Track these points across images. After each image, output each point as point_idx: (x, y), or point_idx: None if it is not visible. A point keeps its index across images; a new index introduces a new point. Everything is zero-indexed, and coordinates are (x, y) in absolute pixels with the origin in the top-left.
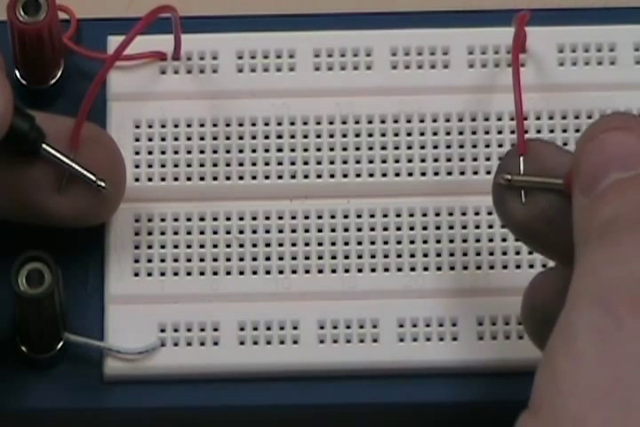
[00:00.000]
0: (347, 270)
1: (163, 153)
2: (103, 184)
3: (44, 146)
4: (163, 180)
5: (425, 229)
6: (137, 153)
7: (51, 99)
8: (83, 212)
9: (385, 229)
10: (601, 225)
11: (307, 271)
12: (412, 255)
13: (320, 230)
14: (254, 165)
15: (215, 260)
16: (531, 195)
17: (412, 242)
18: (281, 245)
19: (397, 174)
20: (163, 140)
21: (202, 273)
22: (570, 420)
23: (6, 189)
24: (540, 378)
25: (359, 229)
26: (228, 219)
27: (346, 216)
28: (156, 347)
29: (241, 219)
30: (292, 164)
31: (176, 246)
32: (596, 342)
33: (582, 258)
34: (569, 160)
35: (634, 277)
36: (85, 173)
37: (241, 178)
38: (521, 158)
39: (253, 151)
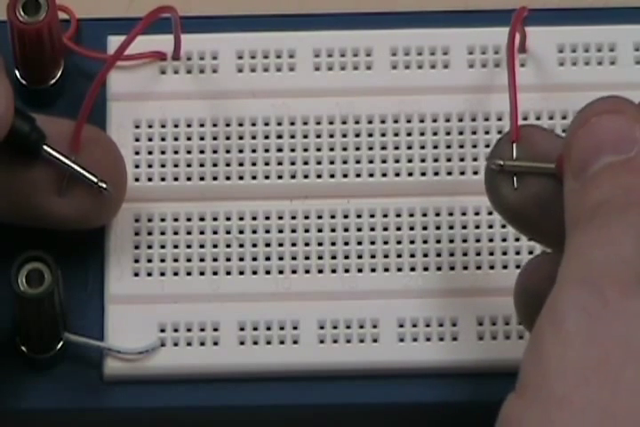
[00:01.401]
0: (347, 270)
1: (163, 153)
2: (104, 186)
3: (44, 147)
4: (163, 180)
5: (425, 229)
6: (137, 153)
7: (51, 99)
8: (84, 213)
9: (385, 229)
10: (591, 208)
11: (307, 271)
12: (412, 255)
13: (320, 230)
14: (254, 165)
15: (215, 260)
16: (522, 180)
17: (412, 242)
18: (281, 245)
19: (397, 174)
20: (163, 140)
21: (202, 273)
22: (556, 400)
23: (7, 192)
24: (526, 359)
25: (359, 229)
26: (228, 219)
27: (346, 216)
28: (156, 347)
29: (241, 219)
30: (292, 164)
31: (176, 246)
32: (583, 322)
33: (572, 240)
34: (561, 145)
35: (621, 258)
36: (87, 174)
37: (241, 178)
38: (514, 145)
39: (253, 151)
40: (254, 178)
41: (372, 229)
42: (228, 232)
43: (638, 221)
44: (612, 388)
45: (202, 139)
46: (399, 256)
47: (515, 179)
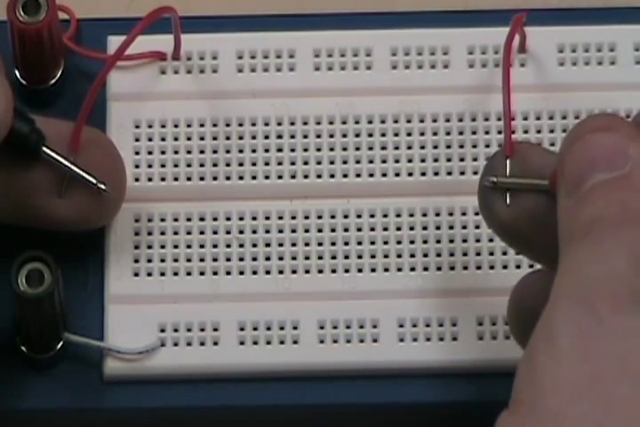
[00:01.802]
0: (347, 270)
1: (163, 153)
2: (104, 187)
3: (44, 148)
4: (163, 180)
5: (425, 229)
6: (137, 153)
7: (51, 99)
8: (84, 215)
9: (385, 229)
10: (585, 224)
11: (307, 271)
12: (412, 255)
13: (320, 230)
14: (254, 165)
15: (215, 260)
16: (516, 196)
17: (412, 242)
18: (281, 245)
19: (397, 174)
20: (163, 140)
21: (202, 273)
22: (550, 416)
23: (6, 193)
24: (519, 375)
25: (359, 229)
26: (228, 219)
27: (346, 216)
28: (156, 347)
29: (241, 219)
30: (292, 164)
31: (176, 246)
32: (576, 339)
33: (565, 257)
34: (554, 161)
35: (614, 275)
36: (86, 175)
37: (241, 178)
38: (507, 161)
39: (253, 151)
40: (254, 178)
41: (372, 229)
42: (228, 232)
43: (631, 237)
44: (605, 404)
45: (202, 139)
46: (399, 256)
47: (508, 195)
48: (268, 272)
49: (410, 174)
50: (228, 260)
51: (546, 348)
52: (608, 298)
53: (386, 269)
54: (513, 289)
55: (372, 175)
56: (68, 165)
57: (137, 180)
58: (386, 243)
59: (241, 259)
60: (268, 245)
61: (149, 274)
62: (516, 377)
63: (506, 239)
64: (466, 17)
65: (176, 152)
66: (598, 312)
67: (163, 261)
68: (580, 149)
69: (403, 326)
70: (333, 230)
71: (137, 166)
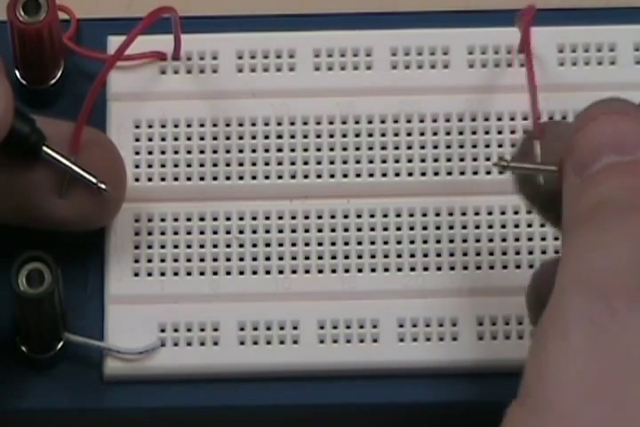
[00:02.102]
0: (347, 270)
1: (163, 153)
2: (104, 187)
3: (44, 149)
4: (163, 180)
5: (425, 229)
6: (137, 153)
7: (51, 99)
8: (84, 215)
9: (385, 229)
10: (591, 207)
11: (307, 271)
12: (412, 255)
13: (320, 230)
14: (254, 165)
15: (215, 260)
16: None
17: (412, 242)
18: (281, 245)
19: (397, 174)
20: (163, 140)
21: (202, 273)
22: (557, 412)
23: (7, 193)
24: (529, 366)
25: (359, 229)
26: (228, 219)
27: (346, 216)
28: (156, 347)
29: (241, 219)
30: (292, 164)
31: (176, 246)
32: (588, 332)
33: (570, 241)
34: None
35: (625, 265)
36: (86, 175)
37: (241, 178)
38: (537, 142)
39: (253, 151)
40: (254, 178)
41: (372, 229)
42: (228, 232)
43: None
44: (615, 403)
45: (202, 139)
46: (399, 256)
47: (541, 178)
48: (268, 272)
49: (410, 174)
50: (228, 260)
51: (555, 340)
52: (621, 291)
53: (386, 270)
54: (532, 274)
55: (372, 175)
56: (69, 165)
57: (137, 180)
58: (386, 243)
59: (241, 259)
60: (268, 245)
61: (149, 274)
62: (526, 366)
63: (538, 208)
64: (467, 17)
65: (176, 152)
66: (612, 305)
67: (163, 261)
68: (593, 129)
69: (403, 326)
70: (333, 230)
71: (137, 166)
